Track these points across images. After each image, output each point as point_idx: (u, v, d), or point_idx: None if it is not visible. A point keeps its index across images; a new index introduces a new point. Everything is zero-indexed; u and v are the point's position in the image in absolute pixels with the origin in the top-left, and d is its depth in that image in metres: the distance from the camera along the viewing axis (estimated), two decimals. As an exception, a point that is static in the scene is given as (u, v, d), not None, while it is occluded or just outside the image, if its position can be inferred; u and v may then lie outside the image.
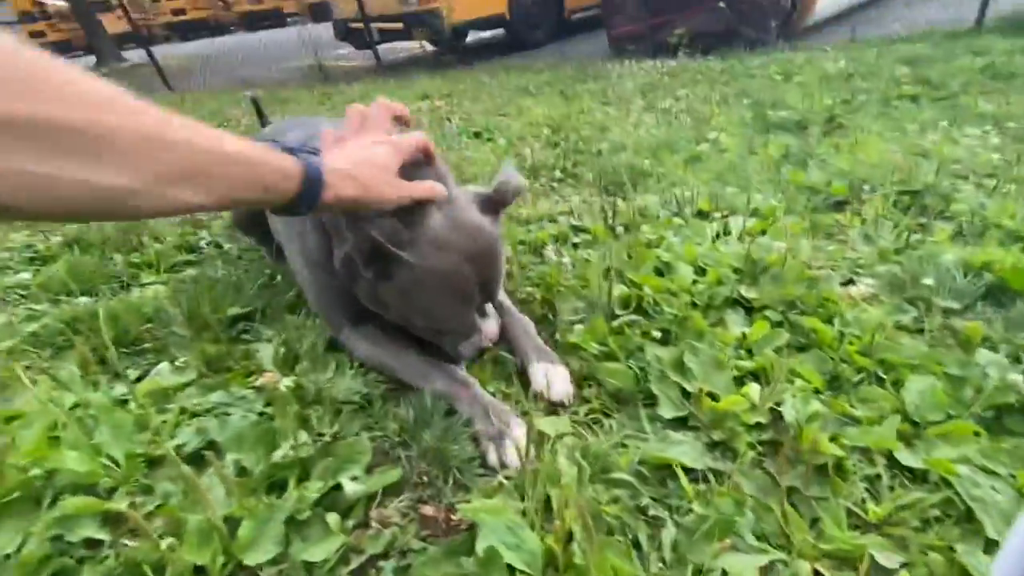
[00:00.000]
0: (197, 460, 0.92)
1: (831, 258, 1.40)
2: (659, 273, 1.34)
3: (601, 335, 1.10)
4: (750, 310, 1.20)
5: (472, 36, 8.99)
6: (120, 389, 1.13)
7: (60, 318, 1.33)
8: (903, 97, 3.15)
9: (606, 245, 1.61)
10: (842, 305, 1.15)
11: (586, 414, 0.97)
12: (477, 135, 3.35)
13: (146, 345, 1.28)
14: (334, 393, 1.04)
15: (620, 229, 1.69)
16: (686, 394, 0.97)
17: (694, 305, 1.21)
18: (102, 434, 0.95)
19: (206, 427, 0.95)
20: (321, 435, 0.95)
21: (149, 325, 1.33)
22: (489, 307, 1.05)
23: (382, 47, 7.60)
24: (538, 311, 1.28)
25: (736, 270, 1.30)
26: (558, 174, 2.41)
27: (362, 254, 0.89)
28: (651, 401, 0.97)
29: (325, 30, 8.44)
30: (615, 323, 1.14)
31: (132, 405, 1.06)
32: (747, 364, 1.01)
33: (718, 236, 1.54)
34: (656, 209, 1.80)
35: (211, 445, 0.93)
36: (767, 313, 1.15)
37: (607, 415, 0.97)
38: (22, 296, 1.56)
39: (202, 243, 1.86)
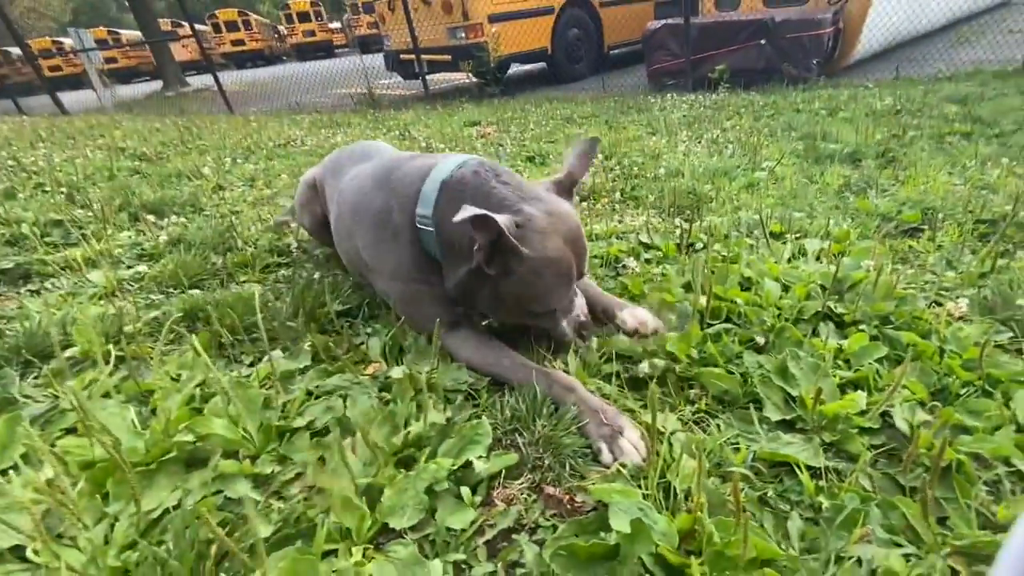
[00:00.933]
0: (324, 436, 0.98)
1: (912, 280, 1.41)
2: (743, 287, 1.37)
3: (697, 342, 1.13)
4: (840, 324, 1.21)
5: (514, 68, 9.28)
6: (240, 371, 1.20)
7: (179, 307, 1.42)
8: (955, 133, 3.14)
9: (680, 261, 1.64)
10: (936, 323, 1.15)
11: (692, 414, 1.00)
12: (530, 159, 3.44)
13: (256, 335, 1.35)
14: (444, 382, 1.09)
15: (689, 247, 1.73)
16: (789, 399, 0.98)
17: (784, 317, 1.23)
18: (236, 408, 1.01)
19: (334, 405, 1.00)
20: (434, 424, 1.00)
21: (258, 317, 1.40)
22: (577, 287, 1.14)
23: (430, 77, 7.89)
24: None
25: (822, 287, 1.32)
26: (618, 196, 2.46)
27: (485, 255, 1.00)
28: (755, 404, 0.99)
29: (373, 60, 8.83)
30: (709, 331, 1.17)
31: (255, 385, 1.13)
32: (848, 374, 1.03)
33: (794, 256, 1.57)
34: (725, 230, 1.84)
35: (340, 422, 0.98)
36: (861, 327, 1.16)
37: (712, 416, 0.99)
38: (138, 287, 1.67)
39: (292, 247, 1.95)
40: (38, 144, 4.15)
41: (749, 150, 3.10)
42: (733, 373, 1.04)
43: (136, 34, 14.93)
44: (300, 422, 0.96)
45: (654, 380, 1.05)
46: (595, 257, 1.72)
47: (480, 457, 0.89)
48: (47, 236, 2.11)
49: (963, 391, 0.97)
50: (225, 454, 0.92)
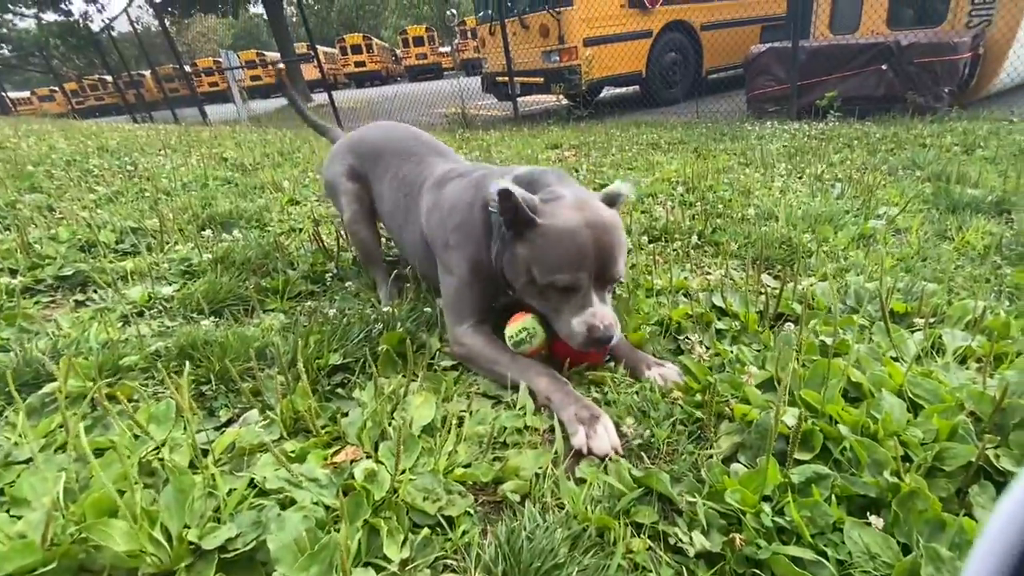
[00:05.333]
0: (245, 565, 0.72)
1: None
2: (849, 398, 0.95)
3: (771, 491, 0.74)
4: (1005, 485, 0.77)
5: (607, 91, 8.89)
6: (205, 436, 1.00)
7: (180, 341, 1.26)
8: None
9: (762, 339, 1.23)
10: None
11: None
12: (603, 187, 3.09)
13: (245, 384, 1.15)
14: (412, 497, 0.80)
15: (777, 319, 1.31)
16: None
17: (908, 461, 0.80)
18: (167, 496, 0.79)
19: (265, 520, 0.74)
20: (388, 561, 0.71)
21: (254, 364, 1.21)
22: (609, 300, 1.12)
23: (521, 99, 7.75)
24: (677, 419, 0.95)
25: (974, 416, 0.87)
26: (695, 239, 2.05)
27: (507, 220, 1.08)
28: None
29: (470, 82, 8.87)
30: (793, 473, 0.78)
31: (209, 460, 0.91)
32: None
33: (926, 354, 1.10)
34: (828, 300, 1.38)
35: (262, 547, 0.72)
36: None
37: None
38: (163, 309, 1.55)
39: (327, 276, 1.77)
40: (160, 151, 4.45)
41: (862, 191, 2.52)
42: (825, 561, 0.65)
43: (277, 55, 16.36)
44: (215, 540, 0.72)
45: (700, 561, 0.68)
46: (652, 324, 1.36)
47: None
48: (120, 244, 2.10)
49: None
50: (120, 569, 0.70)
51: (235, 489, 0.83)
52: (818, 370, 0.99)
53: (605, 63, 6.85)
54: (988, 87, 5.23)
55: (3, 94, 20.00)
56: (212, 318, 1.49)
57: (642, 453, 0.90)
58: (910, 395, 0.93)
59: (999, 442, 0.80)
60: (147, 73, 13.16)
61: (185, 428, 1.02)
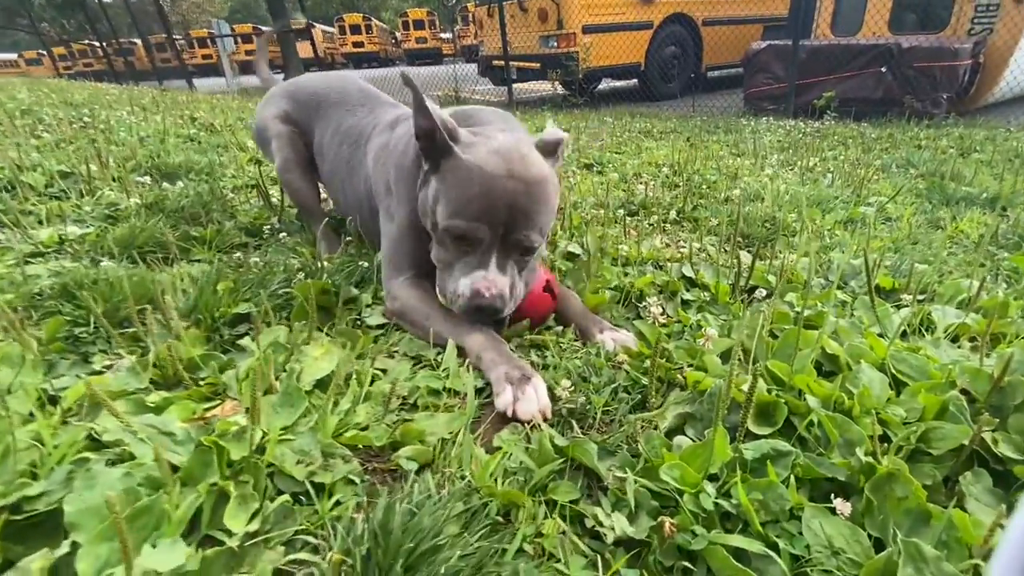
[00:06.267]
0: (51, 530, 0.56)
1: None
2: (822, 371, 0.81)
3: (718, 469, 0.60)
4: (1006, 477, 0.63)
5: (604, 84, 8.73)
6: (64, 381, 0.84)
7: (66, 280, 1.09)
8: None
9: (732, 310, 1.09)
10: None
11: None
12: (588, 167, 2.94)
13: (132, 329, 0.98)
14: (281, 460, 0.65)
15: (751, 292, 1.17)
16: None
17: (887, 442, 0.66)
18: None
19: (73, 478, 0.58)
20: (229, 534, 0.56)
21: (148, 308, 1.04)
22: (513, 273, 0.94)
23: (517, 86, 7.56)
24: (620, 385, 0.81)
25: (967, 394, 0.73)
26: (673, 215, 1.91)
27: (423, 145, 0.95)
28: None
29: (467, 67, 8.67)
30: (746, 448, 0.63)
31: (58, 407, 0.75)
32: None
33: (914, 330, 0.96)
34: (807, 274, 1.25)
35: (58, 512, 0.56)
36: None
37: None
38: (72, 251, 1.38)
39: (266, 229, 1.61)
40: (127, 109, 4.23)
41: (854, 182, 2.40)
42: (775, 556, 0.51)
43: (271, 30, 15.95)
44: (5, 499, 0.56)
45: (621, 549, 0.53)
46: (614, 288, 1.21)
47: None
48: (49, 188, 1.92)
49: None
50: None
51: (58, 446, 0.67)
52: (789, 340, 0.85)
53: (603, 52, 6.70)
54: (987, 96, 5.15)
55: (-12, 55, 19.37)
56: (126, 263, 1.32)
57: (573, 421, 0.75)
58: (893, 371, 0.79)
59: (997, 425, 0.66)
60: (138, 41, 12.76)
61: (48, 371, 0.86)
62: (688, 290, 1.23)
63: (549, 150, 1.01)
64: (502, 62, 7.33)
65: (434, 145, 0.93)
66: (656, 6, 6.92)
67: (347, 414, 0.75)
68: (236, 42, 12.00)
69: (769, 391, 0.74)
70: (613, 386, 0.80)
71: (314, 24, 8.54)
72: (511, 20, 7.08)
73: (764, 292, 1.11)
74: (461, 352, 0.92)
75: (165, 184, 2.01)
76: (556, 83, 7.03)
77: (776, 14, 7.58)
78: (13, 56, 28.37)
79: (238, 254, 1.45)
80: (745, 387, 0.71)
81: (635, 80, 7.60)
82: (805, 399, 0.70)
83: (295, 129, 1.53)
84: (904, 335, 0.95)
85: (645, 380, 0.79)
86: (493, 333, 0.94)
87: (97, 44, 15.18)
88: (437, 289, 1.00)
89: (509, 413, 0.76)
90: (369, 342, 0.97)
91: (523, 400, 0.77)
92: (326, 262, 1.28)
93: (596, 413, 0.75)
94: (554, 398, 0.79)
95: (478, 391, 0.84)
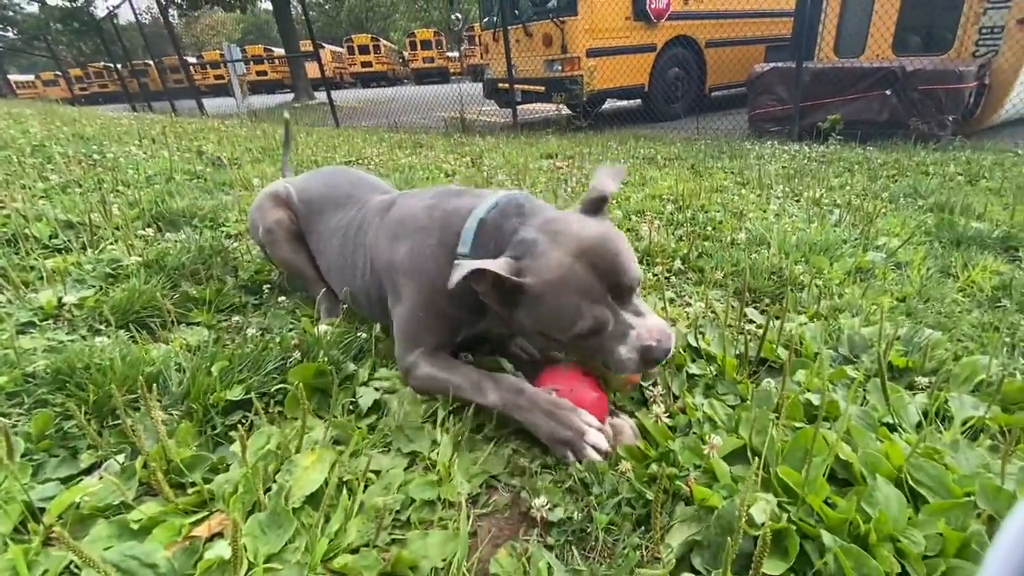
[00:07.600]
0: None
1: None
2: (836, 480, 0.77)
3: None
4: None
5: (609, 104, 8.76)
6: (46, 491, 0.81)
7: (59, 364, 1.07)
8: None
9: (741, 391, 1.05)
10: None
11: None
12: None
13: (120, 422, 0.96)
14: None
15: (760, 364, 1.13)
16: None
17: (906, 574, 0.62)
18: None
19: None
20: None
21: (142, 395, 1.02)
22: (644, 306, 0.95)
23: (521, 107, 7.61)
24: (624, 498, 0.77)
25: (990, 519, 0.69)
26: (678, 264, 1.87)
27: (493, 300, 0.94)
28: None
29: (472, 87, 8.75)
30: (757, 592, 0.59)
31: (40, 526, 0.73)
32: None
33: (928, 419, 0.92)
34: (817, 345, 1.20)
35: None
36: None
37: None
38: (69, 319, 1.37)
39: (266, 287, 1.59)
40: (137, 142, 4.27)
41: (861, 219, 2.36)
42: None
43: (282, 52, 16.23)
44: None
45: None
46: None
47: None
48: (54, 239, 1.92)
49: None
50: None
51: (47, 572, 0.64)
52: (800, 442, 0.81)
53: (607, 75, 6.73)
54: (992, 118, 5.10)
55: (6, 77, 19.86)
56: (121, 332, 1.30)
57: (573, 549, 0.71)
58: (910, 481, 0.75)
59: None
60: (152, 63, 13.03)
61: (35, 473, 0.83)
62: (694, 360, 1.19)
63: (594, 208, 1.01)
64: (507, 85, 7.37)
65: (505, 290, 0.92)
66: (659, 29, 6.95)
67: (338, 535, 0.72)
68: (247, 64, 12.18)
69: (780, 510, 0.70)
70: (616, 499, 0.76)
71: (323, 45, 8.66)
72: (516, 44, 7.14)
73: (774, 368, 1.07)
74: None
75: (168, 235, 2.00)
76: (561, 106, 7.06)
77: (779, 34, 7.59)
78: (31, 77, 29.07)
79: (237, 318, 1.44)
80: (755, 511, 0.67)
81: (639, 100, 7.62)
82: (820, 520, 0.66)
83: (291, 216, 1.54)
84: (919, 427, 0.90)
85: (650, 494, 0.75)
86: (509, 378, 0.99)
87: (112, 66, 15.51)
88: (606, 367, 0.96)
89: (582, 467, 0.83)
90: (363, 436, 0.94)
91: (587, 452, 0.84)
92: (327, 327, 1.26)
93: (599, 534, 0.72)
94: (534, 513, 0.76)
95: (472, 500, 0.80)
